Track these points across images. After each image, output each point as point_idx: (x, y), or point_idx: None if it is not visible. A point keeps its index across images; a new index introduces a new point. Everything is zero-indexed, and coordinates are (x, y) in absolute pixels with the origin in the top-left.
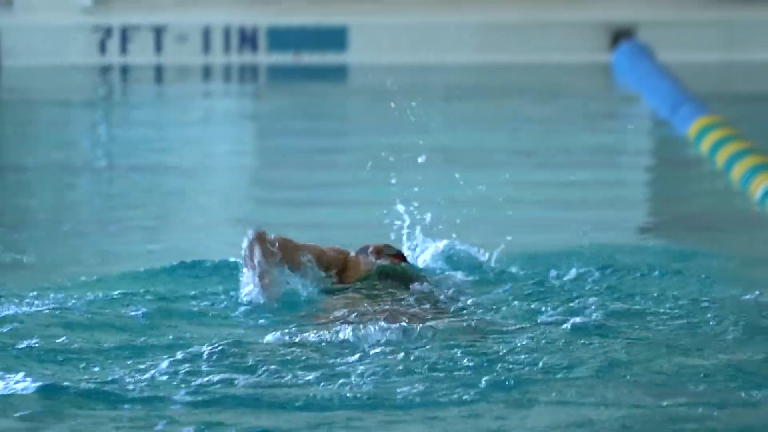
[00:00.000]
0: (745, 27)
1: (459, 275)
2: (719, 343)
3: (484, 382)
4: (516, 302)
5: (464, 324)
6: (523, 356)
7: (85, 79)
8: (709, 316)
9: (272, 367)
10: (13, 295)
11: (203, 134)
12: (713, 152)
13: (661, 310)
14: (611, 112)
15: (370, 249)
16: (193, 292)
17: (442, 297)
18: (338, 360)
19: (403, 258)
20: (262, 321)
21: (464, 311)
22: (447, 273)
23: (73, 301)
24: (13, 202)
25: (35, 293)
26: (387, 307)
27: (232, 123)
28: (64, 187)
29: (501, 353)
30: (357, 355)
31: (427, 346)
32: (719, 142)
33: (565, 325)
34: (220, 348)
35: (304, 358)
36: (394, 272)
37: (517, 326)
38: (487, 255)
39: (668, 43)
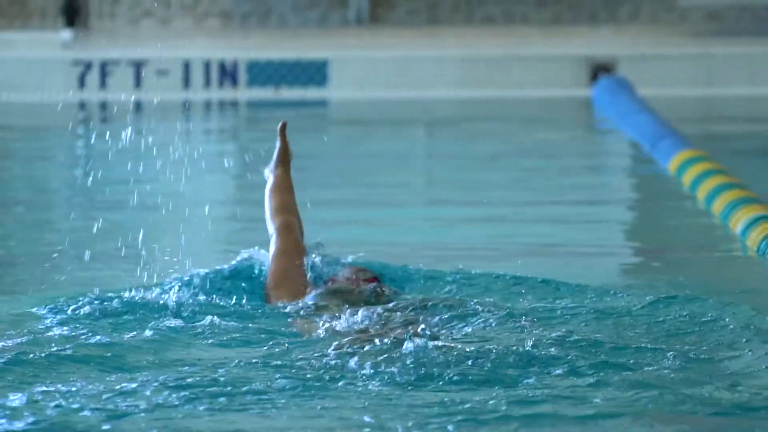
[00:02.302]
0: (724, 61)
1: (433, 300)
2: (716, 372)
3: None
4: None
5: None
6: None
7: (63, 113)
8: (698, 346)
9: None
10: None
11: (181, 168)
12: (694, 186)
13: (636, 341)
14: (591, 147)
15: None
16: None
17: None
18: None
19: (378, 280)
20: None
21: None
22: (419, 296)
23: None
24: None
25: None
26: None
27: (210, 158)
28: (28, 220)
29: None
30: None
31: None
32: (700, 177)
33: (546, 356)
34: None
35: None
36: (349, 293)
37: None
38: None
39: (648, 77)
